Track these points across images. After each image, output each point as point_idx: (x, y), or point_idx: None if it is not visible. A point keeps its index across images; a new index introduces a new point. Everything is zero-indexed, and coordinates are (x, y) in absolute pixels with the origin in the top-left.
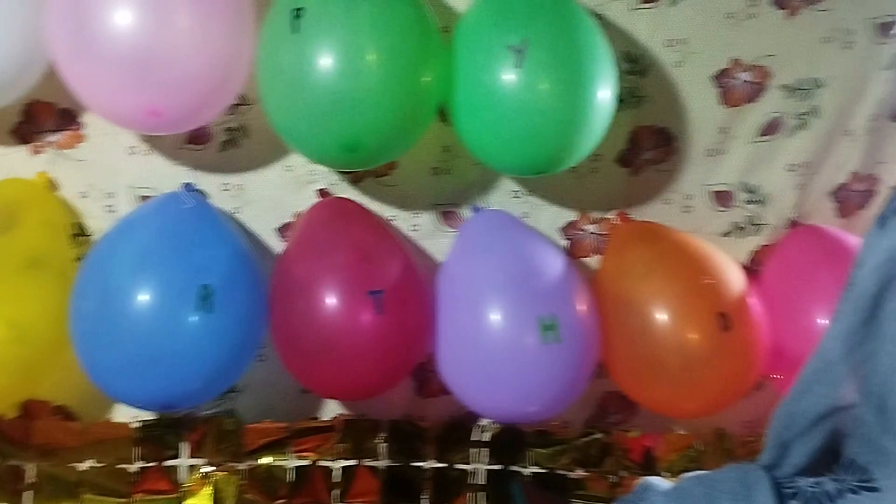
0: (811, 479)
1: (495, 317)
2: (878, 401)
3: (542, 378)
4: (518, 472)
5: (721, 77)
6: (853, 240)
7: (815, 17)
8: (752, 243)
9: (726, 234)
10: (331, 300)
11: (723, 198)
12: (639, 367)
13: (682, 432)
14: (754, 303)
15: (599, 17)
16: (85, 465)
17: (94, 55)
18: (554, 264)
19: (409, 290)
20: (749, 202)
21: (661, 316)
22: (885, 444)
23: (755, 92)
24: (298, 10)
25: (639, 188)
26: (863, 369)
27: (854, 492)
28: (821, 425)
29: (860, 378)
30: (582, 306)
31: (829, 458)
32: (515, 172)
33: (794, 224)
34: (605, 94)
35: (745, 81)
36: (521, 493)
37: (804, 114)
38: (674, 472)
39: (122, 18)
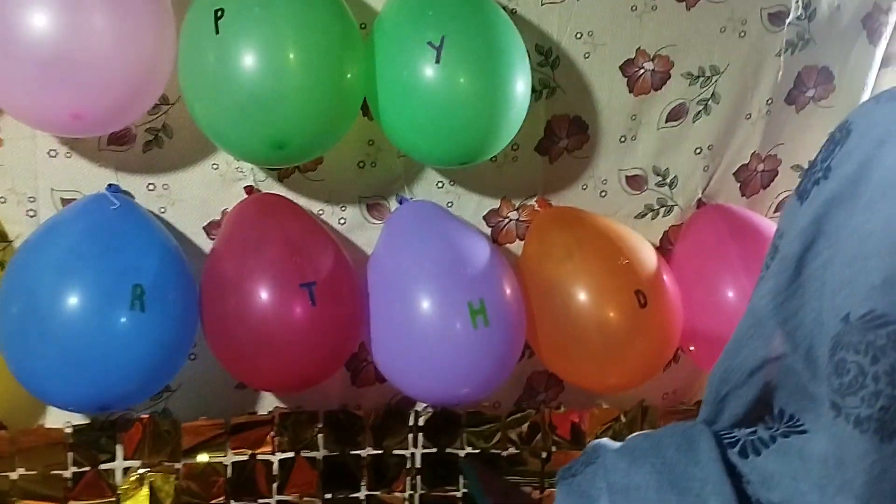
0: (747, 430)
1: (425, 304)
2: (806, 350)
3: (473, 361)
4: (453, 453)
5: (628, 67)
6: (756, 217)
7: (712, 9)
8: (664, 224)
9: (640, 216)
10: (264, 294)
11: (635, 182)
12: (563, 345)
13: (606, 406)
14: (668, 280)
15: (512, 11)
16: (16, 474)
17: (11, 58)
18: (480, 251)
19: (340, 282)
20: (659, 185)
21: (582, 296)
22: (812, 391)
23: (660, 81)
24: (218, 10)
25: (557, 175)
26: (790, 323)
27: (785, 436)
28: (755, 377)
29: (788, 331)
30: (508, 290)
31: (762, 410)
32: (438, 163)
33: (701, 204)
34: (521, 86)
35: (650, 70)
36: (474, 474)
37: (706, 99)
38: None
39: (40, 21)
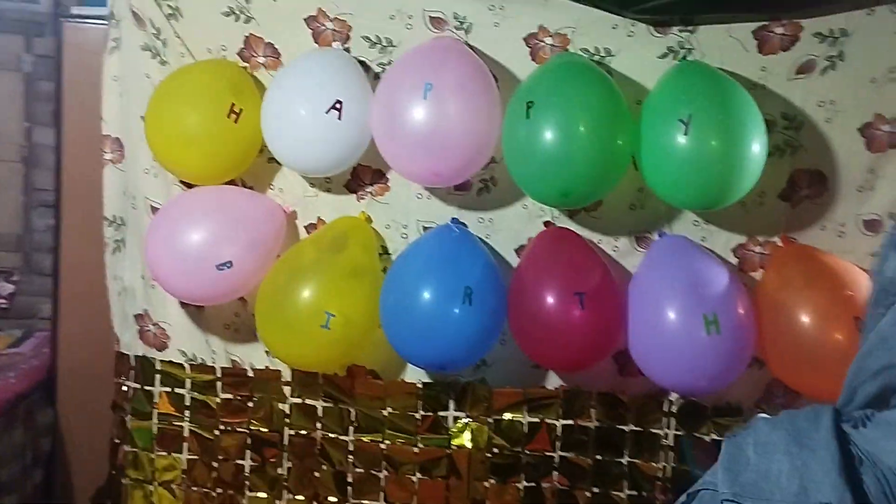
0: (861, 412)
1: (672, 315)
2: None
3: (706, 361)
4: (700, 438)
5: (866, 129)
6: None
7: None
8: None
9: (877, 255)
10: (550, 299)
11: (872, 225)
12: (791, 357)
13: None
14: None
15: (762, 87)
16: (385, 411)
17: (400, 136)
18: (718, 275)
19: (605, 293)
20: None
21: (808, 318)
22: None
23: None
24: (530, 102)
25: (797, 218)
26: None
27: (882, 413)
28: (877, 378)
29: None
30: (741, 307)
31: (879, 400)
32: (687, 207)
33: None
34: (755, 148)
35: (887, 132)
36: (689, 445)
37: None
38: None
39: (418, 113)
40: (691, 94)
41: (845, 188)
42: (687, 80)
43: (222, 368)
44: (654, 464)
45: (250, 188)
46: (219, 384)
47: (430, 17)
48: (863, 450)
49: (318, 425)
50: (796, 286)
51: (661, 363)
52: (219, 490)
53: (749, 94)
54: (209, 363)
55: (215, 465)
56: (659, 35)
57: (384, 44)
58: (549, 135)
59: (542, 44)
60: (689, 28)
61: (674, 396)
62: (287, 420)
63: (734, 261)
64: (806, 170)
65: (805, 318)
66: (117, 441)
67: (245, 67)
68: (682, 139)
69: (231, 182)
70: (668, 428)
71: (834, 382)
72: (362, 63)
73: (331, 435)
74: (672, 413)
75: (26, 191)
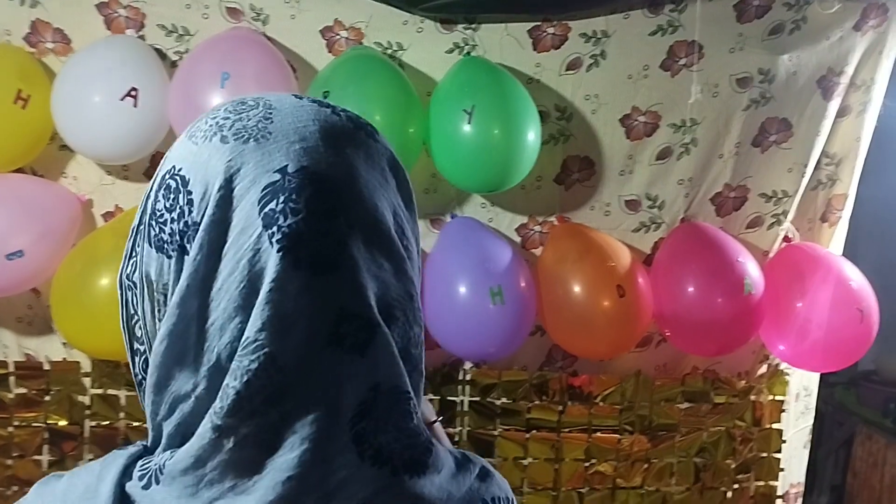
0: (161, 457)
1: (462, 289)
2: None
3: (493, 330)
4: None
5: (625, 119)
6: (716, 231)
7: (689, 75)
8: (654, 236)
9: (636, 231)
10: None
11: (632, 204)
12: (564, 323)
13: (609, 375)
14: (643, 278)
15: (537, 81)
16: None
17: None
18: (502, 252)
19: None
20: (650, 207)
21: (579, 288)
22: None
23: (651, 129)
24: (325, 93)
25: (570, 199)
26: None
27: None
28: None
29: None
30: (522, 281)
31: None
32: (473, 190)
33: (683, 221)
34: (530, 136)
35: (642, 122)
36: None
37: (686, 143)
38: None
39: (215, 101)
40: (474, 87)
41: (609, 172)
42: (470, 73)
43: (15, 362)
44: (450, 429)
45: (41, 177)
46: (12, 378)
47: (227, 7)
48: None
49: (122, 415)
50: (570, 260)
51: (454, 334)
52: (14, 488)
53: (524, 88)
54: (1, 358)
55: (9, 462)
56: (445, 31)
57: (180, 32)
58: None
59: (338, 37)
60: (473, 26)
61: (468, 366)
62: (87, 412)
63: (518, 239)
64: (576, 156)
65: (577, 288)
66: None
67: (32, 53)
68: (466, 128)
69: (19, 171)
70: (464, 395)
71: (603, 345)
72: (158, 51)
73: (135, 424)
74: (466, 381)
75: None
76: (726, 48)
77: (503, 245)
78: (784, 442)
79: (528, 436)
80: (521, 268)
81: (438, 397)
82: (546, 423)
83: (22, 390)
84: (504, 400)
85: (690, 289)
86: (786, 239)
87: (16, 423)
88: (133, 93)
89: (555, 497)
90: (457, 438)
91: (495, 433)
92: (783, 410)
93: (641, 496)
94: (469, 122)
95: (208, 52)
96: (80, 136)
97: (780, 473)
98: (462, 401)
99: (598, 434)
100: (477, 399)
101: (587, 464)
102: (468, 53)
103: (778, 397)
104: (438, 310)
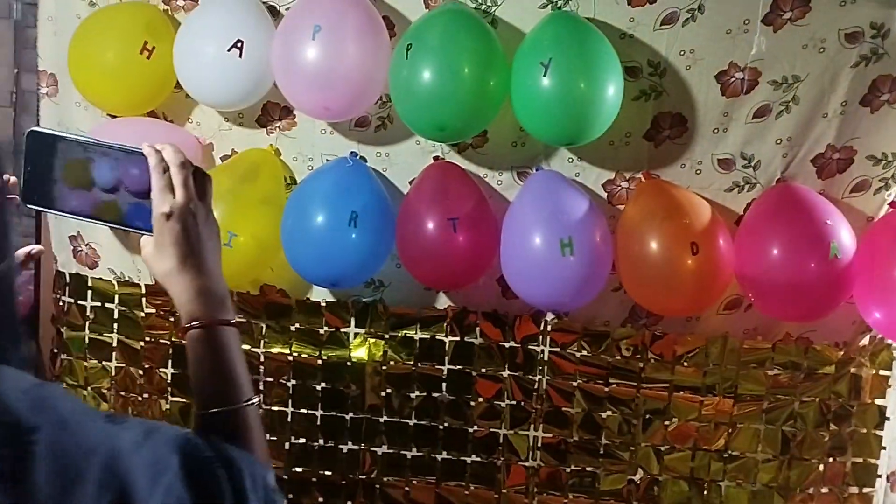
0: None
1: (535, 239)
2: None
3: (564, 280)
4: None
5: (722, 76)
6: (811, 193)
7: (795, 30)
8: (747, 197)
9: (728, 190)
10: (429, 224)
11: (725, 163)
12: (641, 279)
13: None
14: (723, 237)
15: (630, 36)
16: (293, 326)
17: (293, 73)
18: (579, 205)
19: (478, 219)
20: (745, 167)
21: (656, 244)
22: None
23: (749, 86)
24: (409, 45)
25: (659, 156)
26: None
27: None
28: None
29: None
30: (597, 234)
31: None
32: (551, 142)
33: (779, 182)
34: (610, 91)
35: (739, 79)
36: None
37: (787, 101)
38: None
39: (308, 52)
40: (555, 41)
41: (702, 129)
42: (554, 28)
43: (146, 285)
44: (530, 377)
45: (171, 121)
46: (143, 299)
47: None
48: None
49: None
50: (647, 216)
51: (527, 283)
52: (144, 395)
53: (609, 43)
54: (135, 280)
55: (140, 373)
56: None
57: None
58: (425, 75)
59: None
60: None
61: (549, 317)
62: None
63: (604, 195)
64: (668, 112)
65: (652, 244)
66: (55, 351)
67: (166, 10)
68: (543, 80)
69: (152, 114)
70: (545, 345)
71: (677, 301)
72: (271, 7)
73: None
74: (546, 331)
75: (15, 135)
76: (836, 1)
77: (581, 198)
78: (888, 419)
79: (607, 389)
80: (596, 221)
81: (520, 345)
82: (627, 376)
83: (151, 310)
84: (584, 352)
85: (774, 250)
86: (892, 204)
87: (146, 339)
88: (238, 44)
89: (632, 452)
90: (535, 387)
91: (574, 384)
92: (889, 386)
93: (724, 459)
94: (545, 75)
95: (306, 6)
96: (195, 84)
97: (882, 452)
98: (543, 350)
99: (681, 393)
100: (556, 350)
101: (667, 422)
102: (559, 8)
103: (883, 371)
104: (514, 259)
